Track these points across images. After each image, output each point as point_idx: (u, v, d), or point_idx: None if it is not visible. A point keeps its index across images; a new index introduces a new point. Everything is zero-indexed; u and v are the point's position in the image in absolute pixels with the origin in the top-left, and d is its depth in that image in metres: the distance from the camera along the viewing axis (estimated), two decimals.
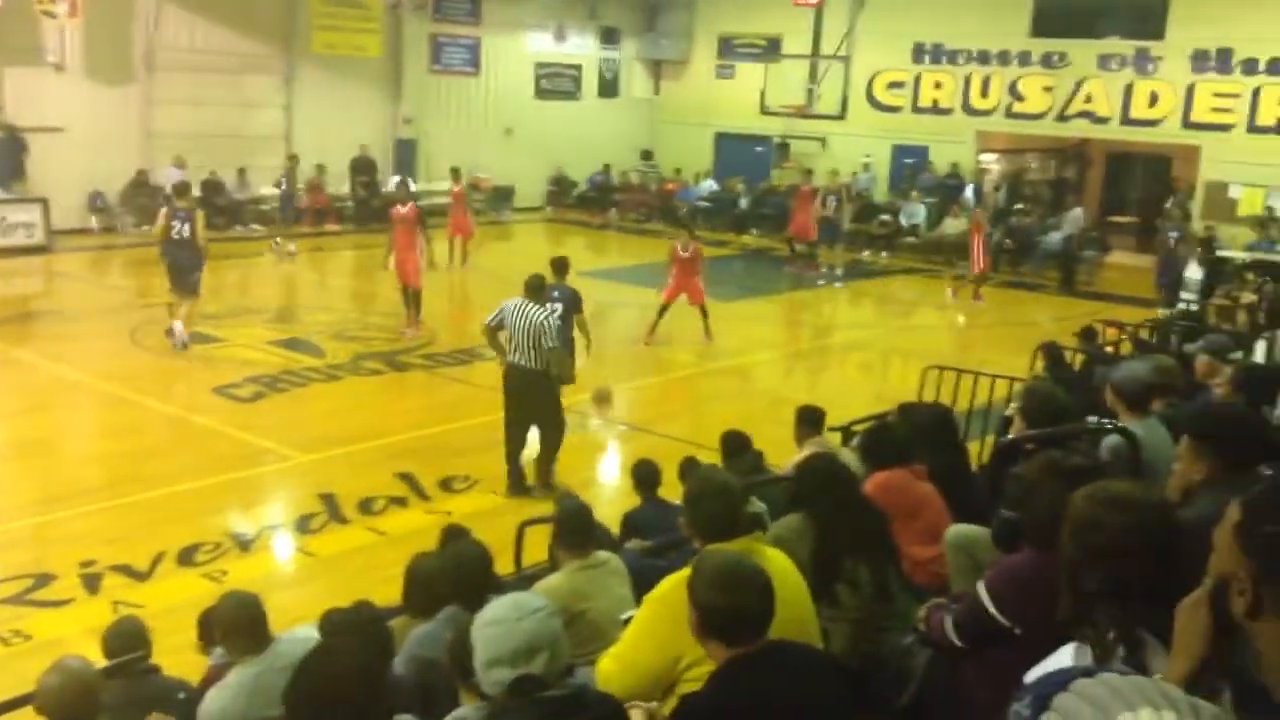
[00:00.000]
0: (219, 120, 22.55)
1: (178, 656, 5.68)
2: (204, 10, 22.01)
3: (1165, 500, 2.74)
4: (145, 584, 7.64)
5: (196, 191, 21.84)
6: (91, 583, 7.59)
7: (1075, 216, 22.34)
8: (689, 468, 7.45)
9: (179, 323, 13.45)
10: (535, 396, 9.31)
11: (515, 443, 9.47)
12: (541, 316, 9.20)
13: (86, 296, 16.72)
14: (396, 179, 18.24)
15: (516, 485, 9.45)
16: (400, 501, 9.20)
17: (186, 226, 13.44)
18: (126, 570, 7.78)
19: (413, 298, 14.69)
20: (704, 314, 14.72)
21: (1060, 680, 1.40)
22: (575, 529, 4.79)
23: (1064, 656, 2.61)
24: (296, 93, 23.74)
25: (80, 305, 15.99)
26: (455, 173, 20.80)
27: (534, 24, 27.50)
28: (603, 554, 4.84)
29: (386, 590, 5.36)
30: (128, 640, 4.95)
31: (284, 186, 21.95)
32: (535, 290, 9.44)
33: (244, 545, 8.34)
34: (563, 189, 28.27)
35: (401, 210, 14.76)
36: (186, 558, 8.01)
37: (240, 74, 22.82)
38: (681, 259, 14.82)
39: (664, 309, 14.66)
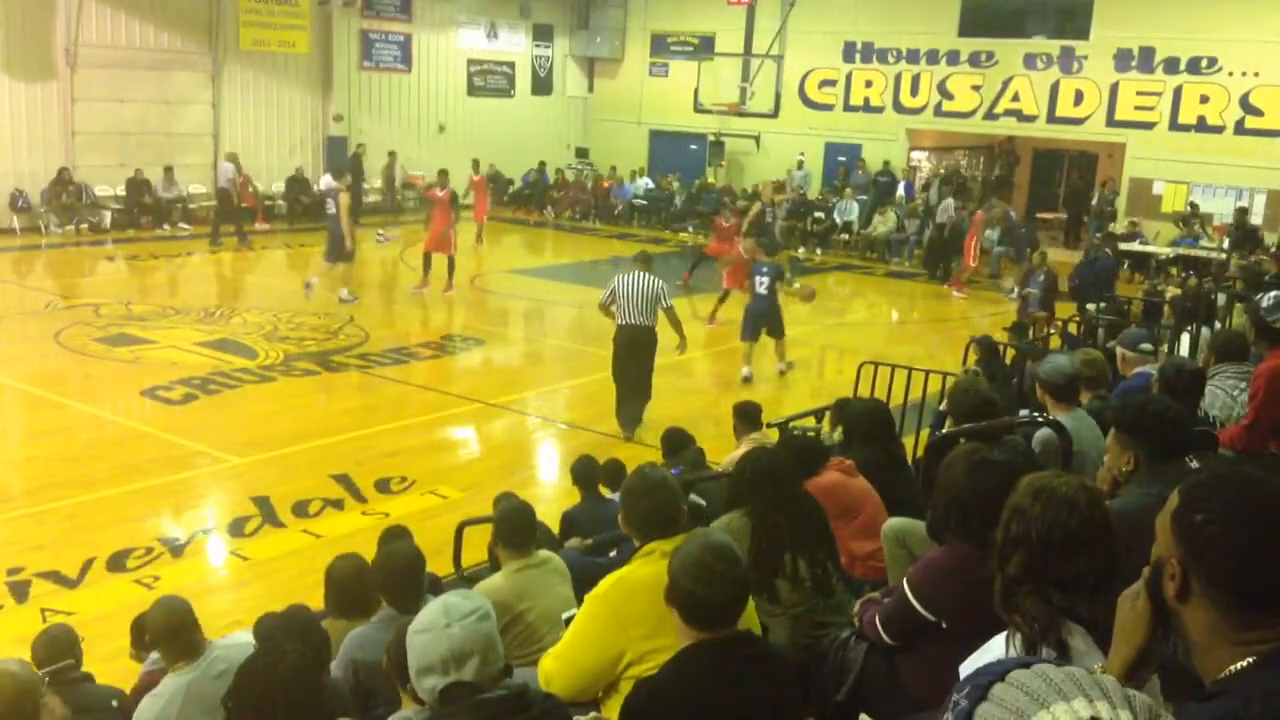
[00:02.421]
0: (144, 118, 22.19)
1: (111, 664, 5.60)
2: (127, 6, 21.61)
3: (1095, 495, 2.79)
4: (75, 591, 7.48)
5: (120, 190, 21.71)
6: (19, 590, 7.42)
7: (946, 206, 22.74)
8: (615, 466, 7.50)
9: (344, 290, 16.53)
10: (641, 350, 11.08)
11: (626, 393, 11.24)
12: (658, 284, 11.04)
13: (8, 297, 16.34)
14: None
15: (630, 434, 11.13)
16: (336, 504, 9.11)
17: (333, 204, 16.60)
18: (55, 577, 7.61)
19: (449, 263, 17.36)
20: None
21: (997, 671, 1.42)
22: (516, 528, 4.76)
23: (996, 647, 2.66)
24: (224, 90, 23.40)
25: (1, 306, 15.62)
26: (476, 164, 22.83)
27: (466, 21, 27.36)
28: (544, 553, 4.82)
29: (322, 594, 5.31)
30: (58, 648, 4.85)
31: (394, 179, 24.43)
32: (646, 262, 11.38)
33: (176, 550, 8.20)
34: (498, 187, 28.17)
35: (438, 193, 17.69)
36: (117, 563, 7.86)
37: (165, 70, 22.43)
38: (724, 228, 17.23)
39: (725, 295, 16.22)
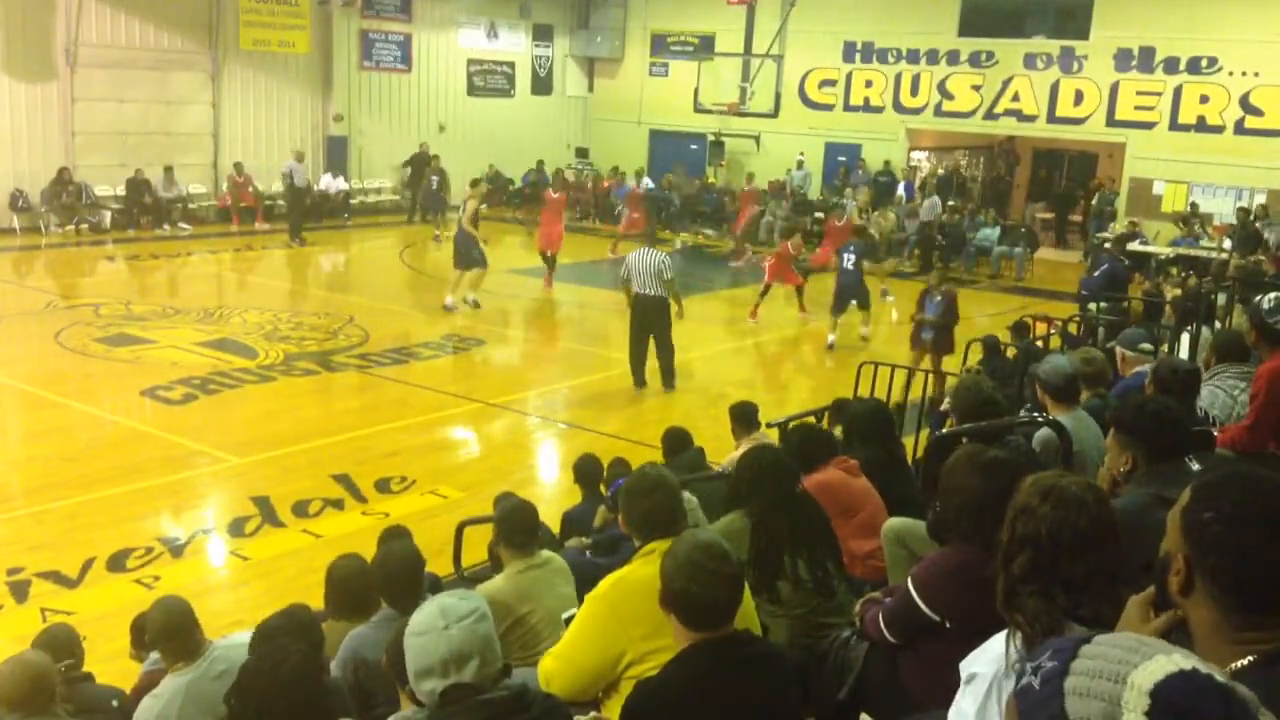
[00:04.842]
0: (144, 118, 22.19)
1: (111, 664, 5.60)
2: (127, 6, 21.60)
3: (1101, 494, 2.78)
4: (75, 591, 7.49)
5: (120, 190, 21.70)
6: (19, 590, 7.42)
7: (931, 204, 22.73)
8: (619, 467, 7.50)
9: (450, 297, 16.44)
10: (656, 317, 12.45)
11: (639, 353, 12.58)
12: (661, 258, 12.50)
13: (8, 297, 16.34)
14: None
15: (640, 383, 12.61)
16: (336, 504, 9.10)
17: (461, 211, 17.01)
18: (55, 577, 7.61)
19: (552, 260, 18.44)
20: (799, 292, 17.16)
21: (1079, 638, 1.43)
22: (518, 528, 4.73)
23: (996, 645, 2.66)
24: (224, 90, 23.39)
25: (1, 306, 15.62)
26: (638, 174, 25.34)
27: (466, 21, 27.35)
28: (545, 553, 4.81)
29: (322, 594, 5.31)
30: (58, 648, 4.85)
31: (434, 184, 24.09)
32: (652, 238, 13.34)
33: (176, 550, 8.20)
34: (498, 186, 28.13)
35: (553, 195, 19.06)
36: (117, 563, 7.87)
37: (166, 70, 22.42)
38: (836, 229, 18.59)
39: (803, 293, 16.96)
